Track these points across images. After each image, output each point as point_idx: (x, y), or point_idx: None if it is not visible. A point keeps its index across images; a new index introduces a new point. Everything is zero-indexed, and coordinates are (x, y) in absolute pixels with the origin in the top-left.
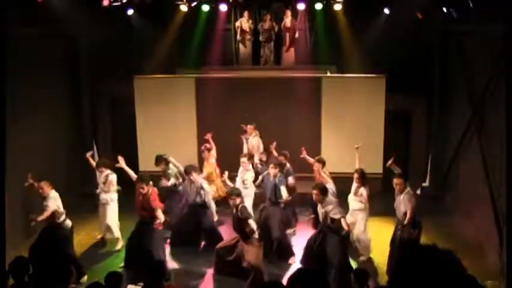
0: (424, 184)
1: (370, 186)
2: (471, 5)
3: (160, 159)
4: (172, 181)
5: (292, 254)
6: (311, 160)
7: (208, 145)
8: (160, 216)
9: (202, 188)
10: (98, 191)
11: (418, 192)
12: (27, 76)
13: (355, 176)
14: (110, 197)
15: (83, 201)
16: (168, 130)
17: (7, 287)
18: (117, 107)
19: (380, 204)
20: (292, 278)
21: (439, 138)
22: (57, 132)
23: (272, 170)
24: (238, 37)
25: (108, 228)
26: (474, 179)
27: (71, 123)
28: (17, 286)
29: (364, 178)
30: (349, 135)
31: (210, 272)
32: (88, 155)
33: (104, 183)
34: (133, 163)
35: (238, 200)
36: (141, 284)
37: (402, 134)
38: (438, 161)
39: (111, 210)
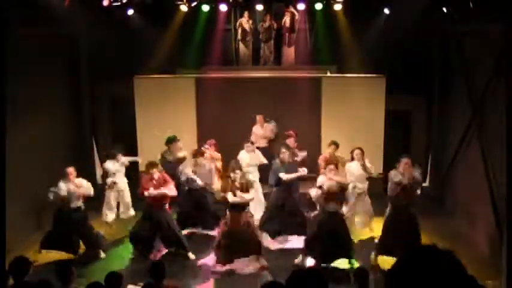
0: (424, 184)
1: (370, 186)
2: (471, 5)
3: (173, 140)
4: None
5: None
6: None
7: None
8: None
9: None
10: (111, 180)
11: (418, 192)
12: (27, 76)
13: (359, 153)
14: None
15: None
16: (168, 130)
17: (7, 287)
18: (117, 107)
19: (380, 204)
20: (291, 278)
21: (439, 138)
22: (57, 132)
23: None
24: (238, 37)
25: (127, 207)
26: (474, 179)
27: (71, 123)
28: (17, 286)
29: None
30: (349, 135)
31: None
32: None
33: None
34: (133, 163)
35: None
36: (141, 284)
37: (402, 134)
38: (438, 161)
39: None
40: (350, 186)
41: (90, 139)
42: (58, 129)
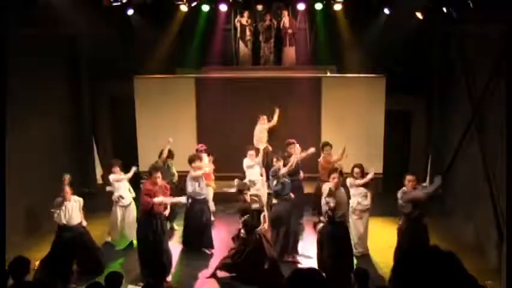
0: (424, 184)
1: (371, 186)
2: (471, 5)
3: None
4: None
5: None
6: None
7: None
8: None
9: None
10: (118, 195)
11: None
12: (27, 76)
13: (359, 172)
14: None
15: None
16: (168, 130)
17: (7, 287)
18: (117, 107)
19: (380, 205)
20: (290, 279)
21: (439, 138)
22: (58, 132)
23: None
24: (238, 36)
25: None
26: (474, 179)
27: (71, 123)
28: (17, 286)
29: None
30: (349, 135)
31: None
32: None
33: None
34: (133, 163)
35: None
36: (141, 284)
37: (402, 134)
38: (438, 161)
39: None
40: (353, 203)
41: (90, 139)
42: (58, 129)
